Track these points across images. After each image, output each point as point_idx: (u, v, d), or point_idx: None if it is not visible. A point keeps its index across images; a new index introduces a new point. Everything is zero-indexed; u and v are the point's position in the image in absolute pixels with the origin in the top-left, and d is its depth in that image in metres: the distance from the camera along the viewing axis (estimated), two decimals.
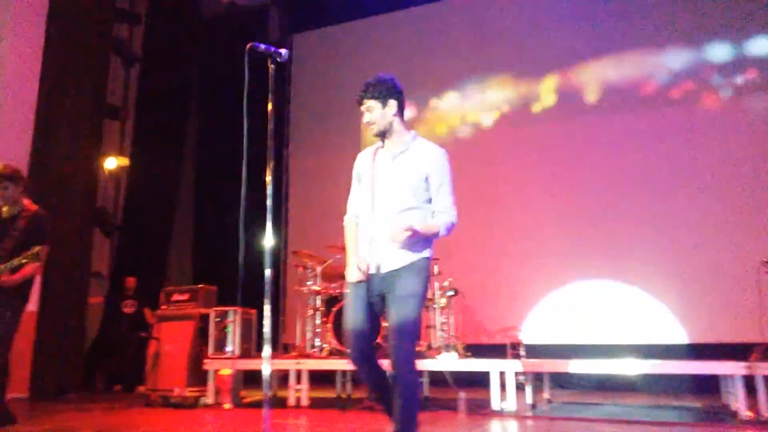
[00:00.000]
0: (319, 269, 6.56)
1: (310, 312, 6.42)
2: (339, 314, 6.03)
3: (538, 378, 5.81)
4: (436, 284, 6.11)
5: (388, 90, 2.86)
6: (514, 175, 8.45)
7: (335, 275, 6.67)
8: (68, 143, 7.56)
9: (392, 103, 2.87)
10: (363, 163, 3.01)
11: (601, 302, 7.70)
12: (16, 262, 3.90)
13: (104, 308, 8.75)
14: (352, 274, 2.84)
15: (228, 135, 8.65)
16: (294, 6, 10.56)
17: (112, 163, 9.40)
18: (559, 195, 8.15)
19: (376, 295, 2.80)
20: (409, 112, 9.23)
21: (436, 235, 2.82)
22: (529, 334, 7.65)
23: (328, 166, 9.71)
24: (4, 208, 4.18)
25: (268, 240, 2.90)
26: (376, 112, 2.87)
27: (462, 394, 5.55)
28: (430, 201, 2.87)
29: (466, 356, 5.91)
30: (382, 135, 2.93)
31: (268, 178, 2.94)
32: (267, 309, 2.74)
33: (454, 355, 5.76)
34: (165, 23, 9.64)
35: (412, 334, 2.66)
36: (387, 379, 2.77)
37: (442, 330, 6.04)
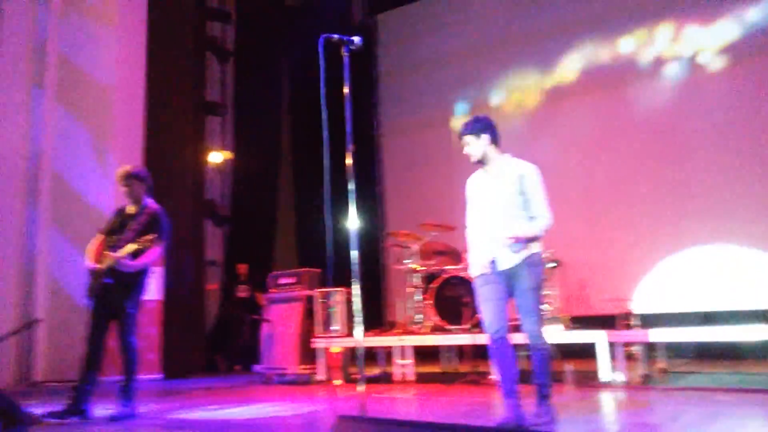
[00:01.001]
0: (415, 247, 6.62)
1: (410, 289, 6.51)
2: (438, 290, 6.08)
3: (651, 348, 5.58)
4: None
5: (481, 126, 3.45)
6: (615, 139, 8.06)
7: (432, 253, 6.70)
8: (175, 141, 8.07)
9: (485, 137, 3.44)
10: (472, 187, 3.61)
11: (719, 267, 7.20)
12: (133, 246, 4.19)
13: (221, 294, 9.33)
14: (475, 269, 3.48)
15: (322, 122, 8.86)
16: None
17: (216, 157, 9.87)
18: (665, 157, 7.69)
19: (500, 284, 3.39)
20: (503, 86, 9.06)
21: (535, 237, 3.38)
22: (642, 304, 7.34)
23: (419, 145, 9.72)
24: (129, 206, 4.53)
25: (353, 222, 3.09)
26: (472, 145, 3.45)
27: (569, 366, 5.45)
28: (527, 208, 3.40)
29: (573, 328, 5.78)
30: (480, 162, 3.49)
31: (348, 162, 3.19)
32: (355, 288, 3.00)
33: (559, 326, 5.65)
34: (253, 18, 9.96)
35: (539, 317, 3.36)
36: (514, 359, 3.41)
37: (546, 302, 5.93)
